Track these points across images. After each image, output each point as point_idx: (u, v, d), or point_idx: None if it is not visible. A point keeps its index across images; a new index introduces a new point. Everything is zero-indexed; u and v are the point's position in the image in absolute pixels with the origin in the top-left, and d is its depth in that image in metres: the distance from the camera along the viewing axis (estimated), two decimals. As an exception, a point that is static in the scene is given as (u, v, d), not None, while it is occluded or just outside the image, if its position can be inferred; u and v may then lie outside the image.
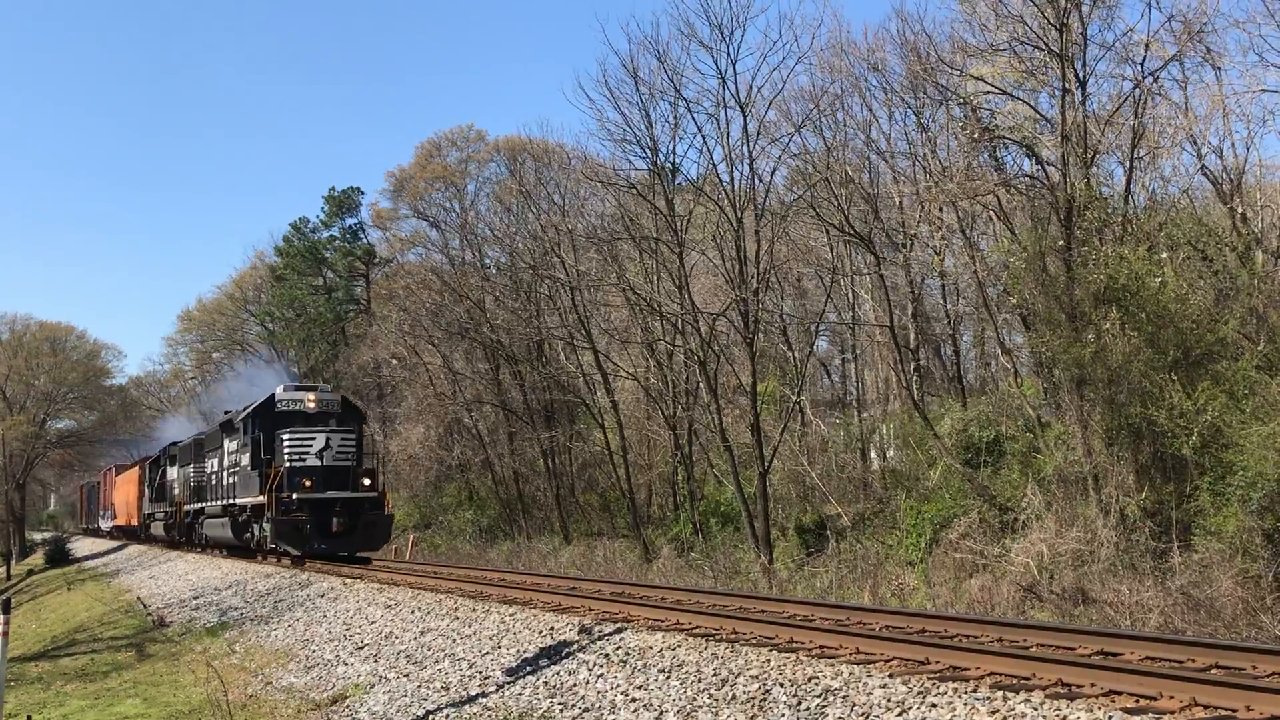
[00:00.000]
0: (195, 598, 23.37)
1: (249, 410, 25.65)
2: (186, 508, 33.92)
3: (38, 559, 61.88)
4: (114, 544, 54.86)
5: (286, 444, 23.50)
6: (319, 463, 23.41)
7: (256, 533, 25.07)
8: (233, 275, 70.15)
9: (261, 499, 23.50)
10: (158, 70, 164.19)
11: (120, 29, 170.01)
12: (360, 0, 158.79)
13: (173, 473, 37.71)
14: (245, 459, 25.27)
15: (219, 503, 28.56)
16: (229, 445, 27.70)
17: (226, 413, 29.77)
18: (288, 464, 23.15)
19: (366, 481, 23.95)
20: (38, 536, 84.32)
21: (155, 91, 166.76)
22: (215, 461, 29.54)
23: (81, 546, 63.22)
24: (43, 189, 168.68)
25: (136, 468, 48.30)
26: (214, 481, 29.70)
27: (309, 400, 25.09)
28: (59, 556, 54.63)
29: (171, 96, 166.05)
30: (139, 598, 26.59)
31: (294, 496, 22.65)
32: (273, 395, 25.29)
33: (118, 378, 77.23)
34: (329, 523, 22.83)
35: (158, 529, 40.64)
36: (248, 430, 25.32)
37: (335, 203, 58.10)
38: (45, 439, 67.55)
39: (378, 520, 23.79)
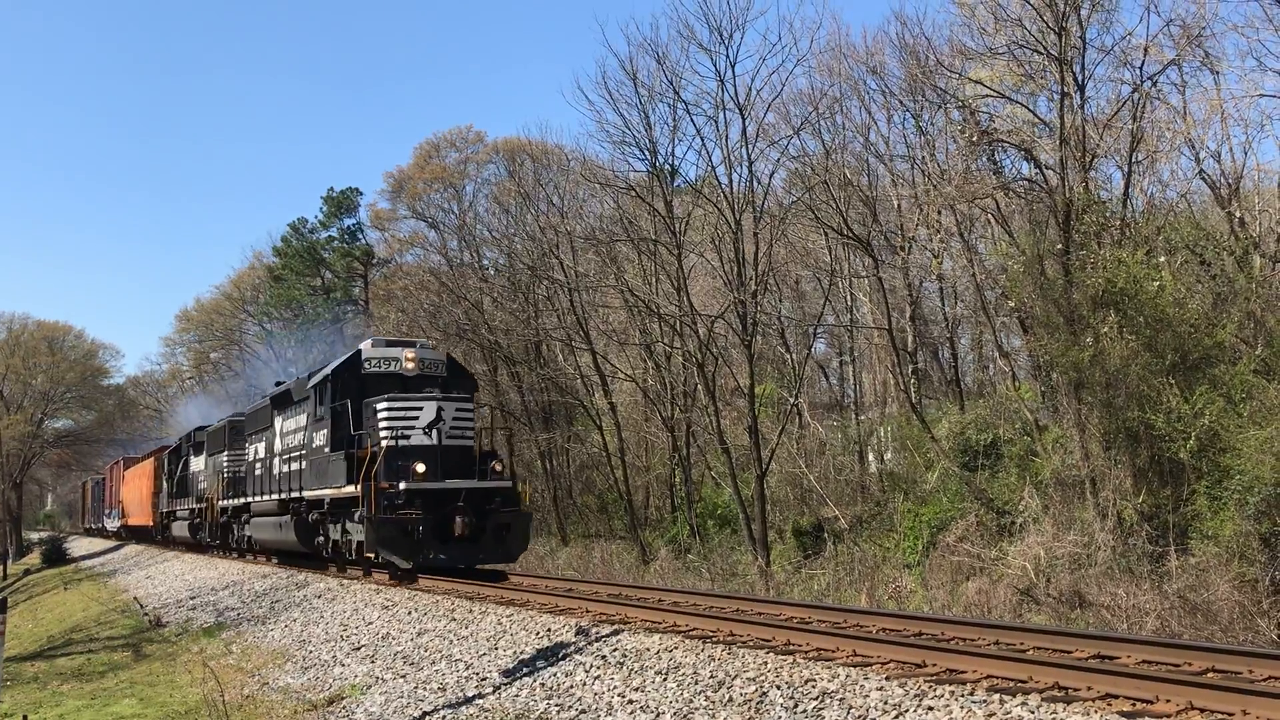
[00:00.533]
0: (192, 598, 23.34)
1: (326, 373, 19.50)
2: (222, 504, 28.13)
3: (34, 559, 61.88)
4: (111, 544, 54.78)
5: (383, 416, 17.63)
6: (429, 440, 17.45)
7: (337, 536, 19.14)
8: (231, 275, 70.08)
9: (350, 490, 17.56)
10: (156, 71, 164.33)
11: (119, 29, 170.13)
12: (360, 2, 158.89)
13: (198, 463, 32.58)
14: (320, 437, 19.45)
15: (272, 497, 22.54)
16: (284, 424, 22.23)
17: (279, 383, 24.44)
18: (385, 443, 17.25)
19: (498, 467, 18.17)
20: (34, 536, 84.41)
21: (154, 92, 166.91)
22: (262, 446, 24.15)
23: (78, 546, 63.22)
24: (41, 189, 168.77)
25: (150, 460, 43.65)
26: (260, 470, 24.10)
27: (407, 358, 19.14)
28: (56, 556, 54.61)
29: (170, 97, 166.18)
30: (135, 598, 26.56)
31: (401, 487, 16.75)
32: (357, 353, 19.42)
33: (115, 377, 77.28)
34: (450, 523, 16.84)
35: (180, 529, 35.40)
36: (323, 399, 19.36)
37: (334, 203, 58.12)
38: (42, 438, 67.54)
39: (514, 521, 17.64)
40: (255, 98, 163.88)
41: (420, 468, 16.90)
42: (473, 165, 53.88)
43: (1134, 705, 6.71)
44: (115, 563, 42.32)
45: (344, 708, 11.23)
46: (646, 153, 26.59)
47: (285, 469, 21.80)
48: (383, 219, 59.09)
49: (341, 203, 58.16)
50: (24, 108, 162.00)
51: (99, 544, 58.72)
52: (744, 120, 24.50)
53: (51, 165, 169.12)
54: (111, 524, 55.81)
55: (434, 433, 17.49)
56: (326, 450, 18.99)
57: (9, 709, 13.00)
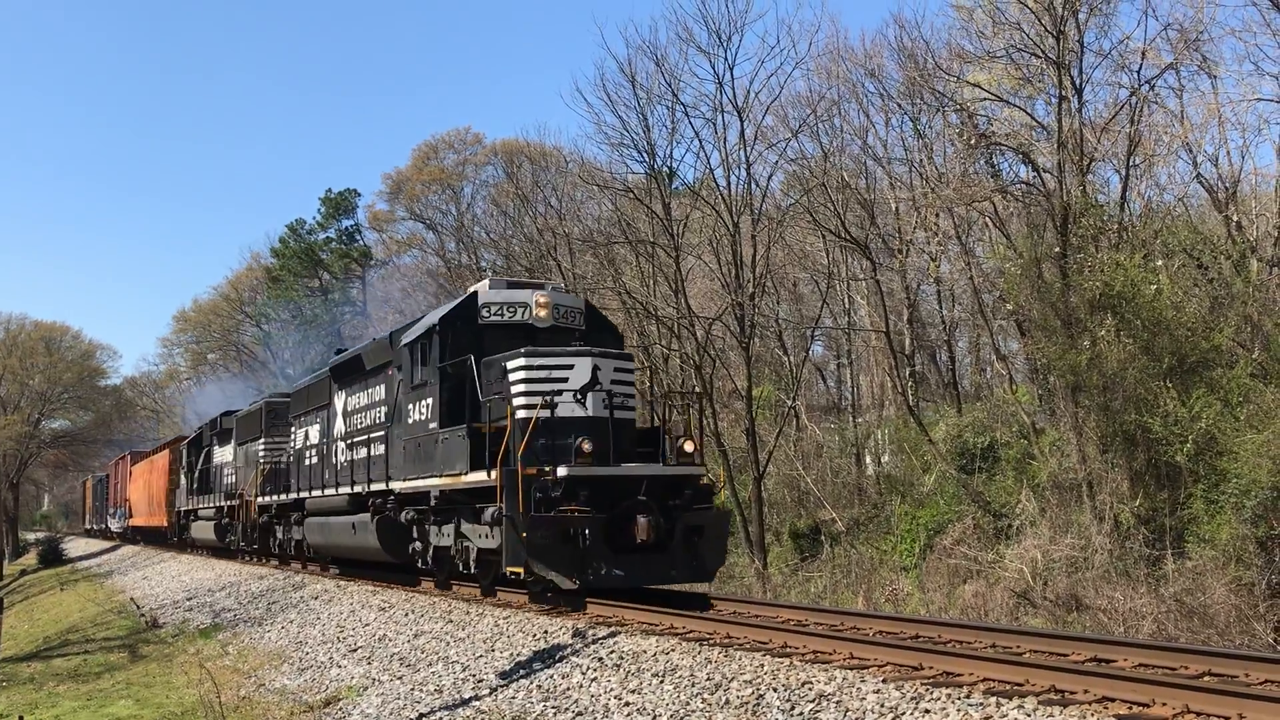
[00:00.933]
0: (189, 599, 23.32)
1: (431, 323, 14.68)
2: (261, 501, 23.95)
3: (31, 559, 61.79)
4: (108, 544, 54.65)
5: (518, 377, 12.94)
6: (585, 411, 12.69)
7: (444, 541, 14.43)
8: (229, 276, 70.10)
9: (478, 478, 12.81)
10: (156, 73, 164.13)
11: (120, 31, 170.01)
12: (359, 4, 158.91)
13: (224, 454, 28.57)
14: (420, 410, 14.72)
15: (340, 491, 18.00)
16: (350, 400, 18.06)
17: (339, 351, 20.70)
18: (528, 413, 12.41)
19: (688, 447, 13.26)
20: (31, 536, 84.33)
21: (153, 93, 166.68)
22: (315, 429, 20.12)
23: (75, 546, 63.10)
24: (40, 189, 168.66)
25: (165, 452, 39.14)
26: (315, 459, 19.97)
27: (538, 303, 14.45)
28: (52, 556, 54.53)
29: (169, 98, 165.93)
30: (132, 598, 26.54)
31: (561, 473, 12.10)
32: (472, 296, 14.68)
33: (113, 378, 77.27)
34: (629, 525, 12.18)
35: (202, 531, 31.03)
36: (425, 358, 14.64)
37: (332, 204, 58.17)
38: (39, 439, 67.50)
39: (708, 522, 12.95)
40: (254, 99, 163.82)
41: (587, 446, 12.27)
42: (471, 167, 53.91)
43: (1131, 708, 6.71)
44: (112, 563, 42.28)
45: (340, 709, 11.22)
46: (645, 155, 26.66)
47: (356, 455, 17.51)
48: (381, 220, 59.12)
49: (339, 204, 58.21)
50: (23, 108, 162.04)
51: (96, 544, 58.60)
52: (742, 123, 24.58)
53: (50, 165, 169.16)
54: (116, 524, 52.07)
55: (590, 400, 12.73)
56: (433, 426, 14.21)
57: (5, 709, 13.01)
